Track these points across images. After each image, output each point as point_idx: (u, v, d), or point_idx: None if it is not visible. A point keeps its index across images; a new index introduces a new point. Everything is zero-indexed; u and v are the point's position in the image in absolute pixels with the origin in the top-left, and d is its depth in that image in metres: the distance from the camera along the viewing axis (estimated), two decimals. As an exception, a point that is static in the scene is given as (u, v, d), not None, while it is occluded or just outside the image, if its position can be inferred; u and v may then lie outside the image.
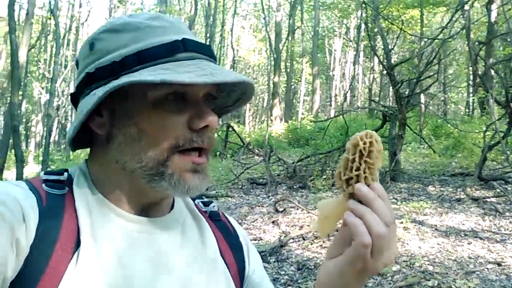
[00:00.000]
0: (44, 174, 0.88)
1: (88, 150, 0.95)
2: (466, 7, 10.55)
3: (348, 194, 0.76)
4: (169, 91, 0.80)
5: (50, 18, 21.49)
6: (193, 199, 1.04)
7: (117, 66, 0.81)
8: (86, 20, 29.29)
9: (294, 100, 34.82)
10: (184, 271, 0.87)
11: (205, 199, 1.08)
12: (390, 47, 10.97)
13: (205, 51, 0.86)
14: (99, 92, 0.78)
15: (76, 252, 0.77)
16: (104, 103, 0.82)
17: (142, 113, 0.82)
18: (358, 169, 0.75)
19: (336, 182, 0.79)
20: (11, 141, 10.40)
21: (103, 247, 0.79)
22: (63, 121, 29.44)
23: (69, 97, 0.92)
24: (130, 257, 0.81)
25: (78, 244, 0.78)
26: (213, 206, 1.06)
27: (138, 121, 0.82)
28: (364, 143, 0.75)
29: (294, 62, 32.03)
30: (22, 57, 10.29)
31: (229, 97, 0.97)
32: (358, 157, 0.75)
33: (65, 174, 0.89)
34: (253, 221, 7.48)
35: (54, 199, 0.82)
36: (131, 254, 0.81)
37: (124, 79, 0.77)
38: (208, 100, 0.86)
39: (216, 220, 1.03)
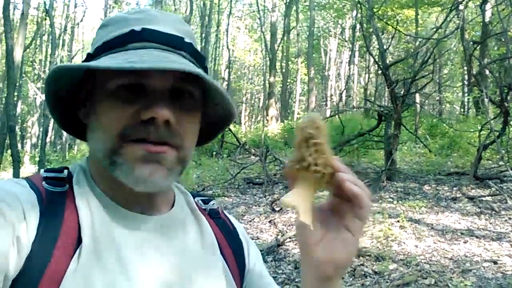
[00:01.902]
0: (44, 171, 0.88)
1: (86, 151, 0.97)
2: (461, 7, 10.59)
3: (323, 175, 0.75)
4: (123, 81, 0.79)
5: (45, 19, 21.42)
6: (194, 196, 1.04)
7: (89, 57, 0.85)
8: (82, 20, 29.25)
9: (289, 100, 34.84)
10: (183, 269, 0.87)
11: (205, 197, 1.08)
12: (385, 47, 10.99)
13: (167, 42, 0.84)
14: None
15: (78, 250, 0.77)
16: (87, 94, 0.87)
17: (101, 102, 0.82)
18: (327, 149, 0.76)
19: (291, 173, 0.77)
20: (6, 141, 10.39)
21: (104, 245, 0.79)
22: (58, 122, 29.28)
23: None
24: (130, 255, 0.81)
25: (79, 241, 0.78)
26: (213, 204, 1.06)
27: (97, 110, 0.83)
28: (309, 128, 0.75)
29: (290, 62, 32.04)
30: (17, 57, 10.26)
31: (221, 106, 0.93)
32: (323, 139, 0.75)
33: (65, 171, 0.89)
34: (250, 221, 7.49)
35: (55, 196, 0.82)
36: (131, 252, 0.81)
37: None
38: (178, 97, 0.83)
39: (216, 218, 1.03)
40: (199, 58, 0.88)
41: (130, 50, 0.81)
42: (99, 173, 0.88)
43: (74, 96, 0.90)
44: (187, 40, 0.87)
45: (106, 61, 0.79)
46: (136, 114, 0.79)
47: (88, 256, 0.76)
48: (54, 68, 0.81)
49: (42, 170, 0.89)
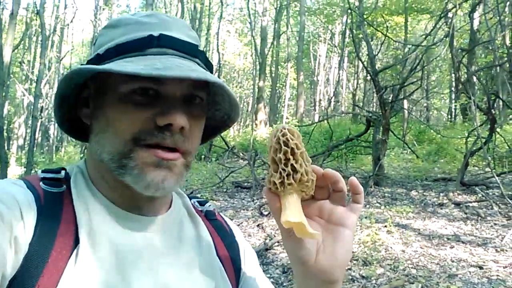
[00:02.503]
0: (42, 172, 0.88)
1: (73, 153, 0.96)
2: (450, 14, 10.70)
3: (312, 181, 0.75)
4: (139, 85, 0.80)
5: (35, 19, 21.28)
6: (190, 198, 1.04)
7: (99, 58, 0.84)
8: (72, 21, 29.07)
9: (278, 105, 34.87)
10: (180, 270, 0.87)
11: (201, 199, 1.08)
12: (374, 53, 11.07)
13: (184, 49, 0.85)
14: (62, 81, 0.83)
15: (75, 250, 0.77)
16: (91, 94, 0.87)
17: (112, 104, 0.82)
18: (299, 163, 0.74)
19: (274, 192, 0.75)
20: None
21: (101, 246, 0.79)
22: (46, 123, 29.11)
23: None
24: (128, 256, 0.81)
25: (76, 242, 0.78)
26: (209, 206, 1.06)
27: (108, 112, 0.83)
28: (292, 139, 0.73)
29: (279, 67, 32.11)
30: (6, 57, 10.18)
31: (224, 107, 0.95)
32: (290, 154, 0.73)
33: (62, 172, 0.89)
34: (238, 225, 7.48)
35: (52, 197, 0.82)
36: (128, 253, 0.82)
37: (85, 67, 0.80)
38: (190, 102, 0.84)
39: (212, 220, 1.04)
40: (208, 66, 0.90)
41: (148, 56, 0.81)
42: (99, 175, 0.88)
43: (77, 95, 0.90)
44: (200, 48, 0.88)
45: (127, 66, 0.78)
46: (152, 119, 0.79)
47: (86, 257, 0.77)
48: (75, 69, 0.81)
49: (39, 171, 0.89)
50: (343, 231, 0.78)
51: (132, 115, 0.80)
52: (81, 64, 0.84)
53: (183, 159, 0.83)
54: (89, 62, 0.86)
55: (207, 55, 0.91)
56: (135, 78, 0.78)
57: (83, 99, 0.89)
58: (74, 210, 0.81)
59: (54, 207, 0.80)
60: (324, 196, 0.80)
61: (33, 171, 9.81)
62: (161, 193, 0.82)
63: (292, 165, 0.73)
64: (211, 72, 0.90)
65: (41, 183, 0.84)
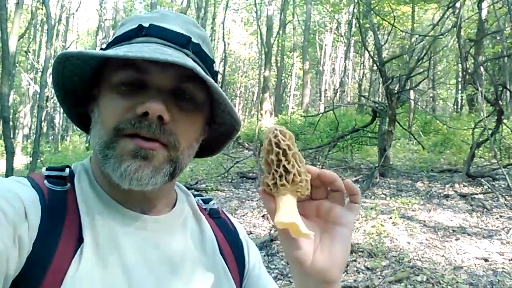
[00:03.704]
0: (46, 170, 0.88)
1: (78, 143, 0.96)
2: (457, 4, 10.60)
3: (306, 181, 0.75)
4: (127, 76, 0.80)
5: (41, 8, 21.25)
6: (194, 196, 1.04)
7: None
8: (77, 10, 29.04)
9: (284, 95, 34.83)
10: (183, 269, 0.87)
11: (205, 197, 1.08)
12: (381, 43, 11.00)
13: (172, 39, 0.84)
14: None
15: (79, 250, 0.77)
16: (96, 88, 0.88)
17: (103, 96, 0.83)
18: (291, 164, 0.74)
19: (269, 192, 0.76)
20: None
21: (104, 246, 0.79)
22: (52, 113, 29.20)
23: None
24: (131, 255, 0.81)
25: (80, 241, 0.78)
26: (213, 204, 1.06)
27: (99, 103, 0.84)
28: (283, 140, 0.73)
29: (285, 57, 32.00)
30: (12, 46, 10.19)
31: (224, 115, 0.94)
32: (282, 155, 0.73)
33: (67, 170, 0.89)
34: (243, 215, 7.49)
35: (56, 195, 0.82)
36: (131, 253, 0.82)
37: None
38: (179, 96, 0.82)
39: (216, 218, 1.04)
40: (206, 60, 0.88)
41: (133, 44, 0.83)
42: (100, 172, 0.87)
43: (88, 91, 0.90)
44: (194, 40, 0.87)
45: (107, 52, 0.78)
46: (132, 109, 0.79)
47: (90, 256, 0.76)
48: (59, 55, 0.81)
49: (43, 169, 0.89)
50: (340, 230, 0.77)
51: (116, 105, 0.80)
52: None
53: (166, 152, 0.81)
54: None
55: (213, 45, 0.90)
56: (124, 68, 0.79)
57: (93, 95, 0.89)
58: (78, 209, 0.81)
59: (58, 206, 0.80)
60: (321, 196, 0.79)
61: (38, 161, 9.85)
62: (137, 185, 0.79)
63: (284, 166, 0.73)
64: (211, 67, 0.89)
65: (45, 181, 0.83)
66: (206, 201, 1.06)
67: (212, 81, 0.80)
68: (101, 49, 0.86)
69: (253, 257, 1.06)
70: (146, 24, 0.85)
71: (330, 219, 0.78)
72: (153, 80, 0.80)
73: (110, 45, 0.86)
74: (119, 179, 0.79)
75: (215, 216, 1.04)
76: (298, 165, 0.74)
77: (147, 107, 0.77)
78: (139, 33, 0.84)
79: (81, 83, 0.88)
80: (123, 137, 0.79)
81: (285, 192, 0.74)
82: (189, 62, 0.77)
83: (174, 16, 0.89)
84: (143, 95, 0.79)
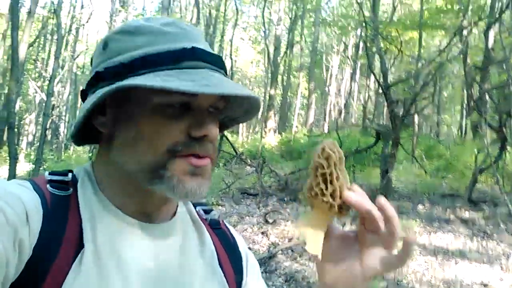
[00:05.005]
0: (49, 174, 0.88)
1: (82, 152, 0.95)
2: (465, 32, 10.70)
3: (331, 205, 0.76)
4: (174, 99, 0.80)
5: (52, 18, 21.47)
6: (195, 206, 1.04)
7: (125, 67, 0.82)
8: (87, 21, 29.26)
9: (288, 113, 34.91)
10: (182, 279, 0.87)
11: (206, 207, 1.08)
12: (387, 67, 11.07)
13: (213, 61, 0.85)
14: (100, 92, 0.79)
15: (79, 256, 0.77)
16: (110, 103, 0.85)
17: (143, 116, 0.81)
18: (337, 179, 0.76)
19: (309, 199, 0.78)
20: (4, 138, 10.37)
21: (105, 252, 0.79)
22: (56, 121, 29.33)
23: (80, 93, 0.92)
24: (130, 264, 0.81)
25: (80, 247, 0.78)
26: (214, 214, 1.06)
27: (139, 123, 0.82)
28: (334, 153, 0.76)
29: (291, 76, 32.16)
30: (21, 54, 10.30)
31: (240, 108, 0.96)
32: (334, 168, 0.75)
33: (70, 175, 0.89)
34: (243, 231, 7.48)
35: (58, 200, 0.82)
36: (131, 261, 0.82)
37: (128, 82, 0.77)
38: (213, 111, 0.86)
39: (216, 228, 1.04)
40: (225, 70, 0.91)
41: (185, 69, 0.81)
42: (110, 180, 0.88)
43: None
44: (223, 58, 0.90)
45: (173, 82, 0.76)
46: (186, 131, 0.81)
47: (89, 263, 0.76)
48: (118, 86, 0.78)
49: (46, 173, 0.89)
50: (356, 266, 0.80)
51: (167, 128, 0.81)
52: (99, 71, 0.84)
53: (211, 164, 0.85)
54: (108, 69, 0.83)
55: None
56: (171, 91, 0.76)
57: (99, 106, 0.84)
58: (80, 214, 0.81)
59: (60, 212, 0.80)
60: (371, 228, 0.79)
61: (41, 168, 9.88)
62: (197, 199, 0.85)
63: (311, 181, 0.76)
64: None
65: (48, 185, 0.83)
66: (207, 211, 1.06)
67: (259, 99, 0.89)
68: (122, 64, 0.82)
69: (252, 270, 1.05)
70: (188, 46, 0.83)
71: (360, 253, 0.81)
72: (197, 102, 0.83)
73: (139, 63, 0.81)
74: (183, 197, 0.82)
75: (215, 226, 1.04)
76: (325, 186, 0.75)
77: (207, 131, 0.81)
78: (185, 56, 0.83)
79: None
80: (177, 158, 0.81)
81: (317, 204, 0.77)
82: (246, 91, 0.84)
83: (193, 31, 0.88)
84: (193, 117, 0.82)
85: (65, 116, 31.69)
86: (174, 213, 0.95)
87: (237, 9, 24.52)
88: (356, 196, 0.77)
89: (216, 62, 0.86)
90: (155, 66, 0.80)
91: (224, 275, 0.95)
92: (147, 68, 0.80)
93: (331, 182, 0.75)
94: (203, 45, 0.87)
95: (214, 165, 0.88)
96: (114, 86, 0.78)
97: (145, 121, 0.81)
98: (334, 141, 0.77)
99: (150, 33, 0.84)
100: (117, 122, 0.85)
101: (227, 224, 1.09)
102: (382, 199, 0.76)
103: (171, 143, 0.80)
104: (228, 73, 0.90)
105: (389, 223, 0.77)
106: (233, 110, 0.96)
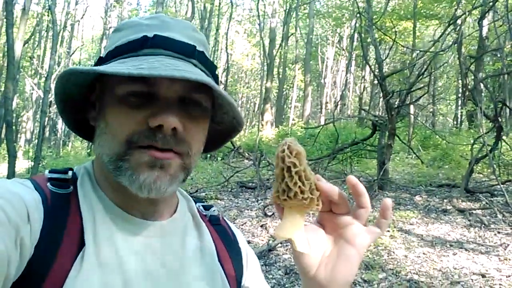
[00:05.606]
0: (49, 172, 0.88)
1: (80, 149, 0.97)
2: (459, 21, 10.71)
3: (311, 200, 0.74)
4: (134, 88, 0.80)
5: (47, 15, 21.37)
6: (195, 202, 1.04)
7: (101, 60, 0.86)
8: (82, 18, 29.16)
9: (285, 106, 34.91)
10: (182, 277, 0.88)
11: (206, 203, 1.08)
12: (382, 57, 11.09)
13: (178, 49, 0.84)
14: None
15: (80, 254, 0.77)
16: (96, 96, 0.88)
17: (110, 106, 0.82)
18: (310, 173, 0.74)
19: (285, 203, 0.75)
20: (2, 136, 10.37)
21: (105, 251, 0.80)
22: (54, 118, 29.26)
23: None
24: (131, 261, 0.82)
25: (81, 245, 0.78)
26: (213, 211, 1.06)
27: (106, 114, 0.83)
28: (299, 148, 0.74)
29: (287, 69, 32.13)
30: (17, 52, 10.28)
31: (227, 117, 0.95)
32: (286, 171, 0.73)
33: (70, 173, 0.89)
34: (242, 224, 7.52)
35: (59, 198, 0.82)
36: (131, 258, 0.82)
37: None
38: (187, 104, 0.83)
39: (216, 225, 1.04)
40: (210, 67, 0.89)
41: (141, 56, 0.81)
42: (104, 177, 0.88)
43: (86, 98, 0.90)
44: (199, 48, 0.87)
45: (117, 66, 0.78)
46: (144, 121, 0.79)
47: (90, 261, 0.77)
48: (66, 70, 0.81)
49: (46, 171, 0.89)
50: (349, 249, 0.77)
51: (126, 117, 0.80)
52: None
53: (180, 160, 0.83)
54: (95, 65, 0.87)
55: (216, 55, 0.93)
56: (130, 80, 0.78)
57: (92, 102, 0.89)
58: (80, 212, 0.82)
59: (60, 210, 0.80)
60: (343, 211, 0.79)
61: (40, 165, 9.89)
62: (156, 194, 0.81)
63: (286, 182, 0.73)
64: (213, 72, 0.90)
65: (48, 183, 0.84)
66: (207, 208, 1.06)
67: (223, 91, 0.81)
68: (100, 57, 0.87)
69: (252, 265, 1.06)
70: (150, 34, 0.84)
71: (344, 236, 0.78)
72: (162, 91, 0.80)
73: (112, 54, 0.85)
74: (138, 189, 0.80)
75: (215, 223, 1.04)
76: (302, 183, 0.73)
77: (162, 120, 0.78)
78: (144, 44, 0.83)
79: (78, 89, 0.88)
80: (137, 149, 0.79)
81: (291, 205, 0.75)
82: (204, 77, 0.77)
83: (174, 23, 0.89)
84: (153, 107, 0.80)
85: (62, 120, 31.54)
86: (175, 211, 0.96)
87: (231, 2, 24.43)
88: (326, 183, 0.76)
89: (182, 50, 0.84)
90: (118, 56, 0.84)
91: (224, 271, 0.96)
92: (113, 58, 0.84)
93: (306, 178, 0.74)
94: (177, 35, 0.86)
95: (193, 164, 0.87)
96: (61, 73, 0.82)
97: (111, 111, 0.82)
98: (293, 137, 0.77)
99: (129, 28, 0.89)
100: (98, 115, 0.87)
101: (227, 220, 1.10)
102: (351, 178, 0.75)
103: (128, 133, 0.79)
104: (223, 66, 0.89)
105: (362, 197, 0.77)
106: (227, 111, 0.94)
